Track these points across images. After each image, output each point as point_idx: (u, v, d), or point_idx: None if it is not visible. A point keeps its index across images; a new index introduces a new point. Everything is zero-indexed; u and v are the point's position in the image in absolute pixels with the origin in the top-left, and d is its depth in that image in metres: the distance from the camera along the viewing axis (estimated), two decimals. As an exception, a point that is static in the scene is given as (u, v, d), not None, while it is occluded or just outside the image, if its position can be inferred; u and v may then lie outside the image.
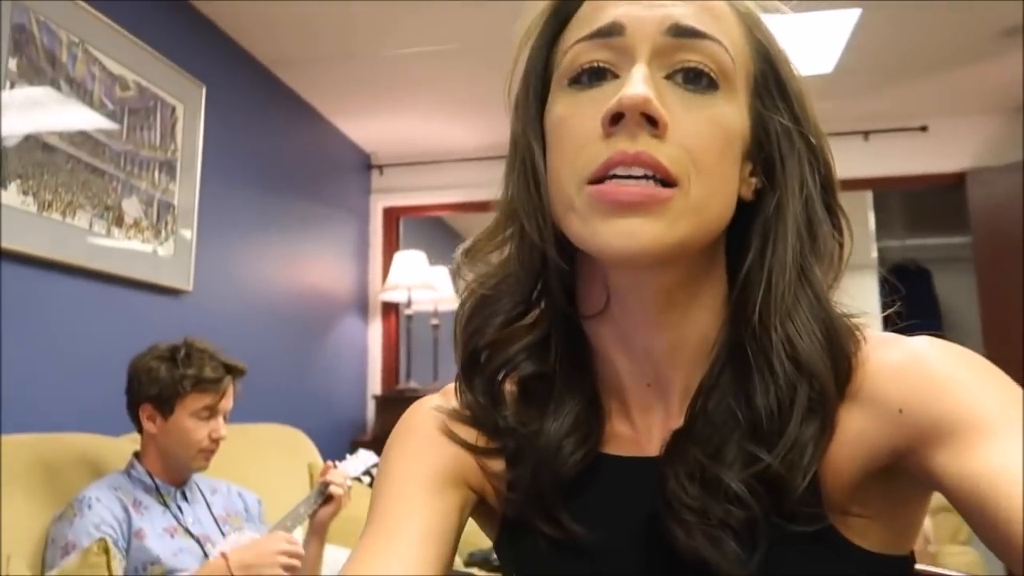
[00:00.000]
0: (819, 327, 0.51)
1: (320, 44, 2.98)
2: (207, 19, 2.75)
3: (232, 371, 1.75)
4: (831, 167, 0.55)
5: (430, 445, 0.58)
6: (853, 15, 2.76)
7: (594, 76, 0.51)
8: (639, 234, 0.48)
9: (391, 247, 4.13)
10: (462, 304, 0.59)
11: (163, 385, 1.68)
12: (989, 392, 0.47)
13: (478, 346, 0.57)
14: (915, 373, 0.48)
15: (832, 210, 0.55)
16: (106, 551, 1.31)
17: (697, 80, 0.50)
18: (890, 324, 0.58)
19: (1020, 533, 0.41)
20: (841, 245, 0.55)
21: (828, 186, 0.55)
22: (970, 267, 3.67)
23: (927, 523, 2.31)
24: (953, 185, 3.71)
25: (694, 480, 0.49)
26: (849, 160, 3.53)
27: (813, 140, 0.54)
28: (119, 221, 2.25)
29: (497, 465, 0.58)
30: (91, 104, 2.16)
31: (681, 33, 0.50)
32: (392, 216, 4.21)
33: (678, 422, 0.54)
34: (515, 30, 0.58)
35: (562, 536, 0.54)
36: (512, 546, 0.58)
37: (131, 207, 2.30)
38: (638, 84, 0.48)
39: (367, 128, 3.82)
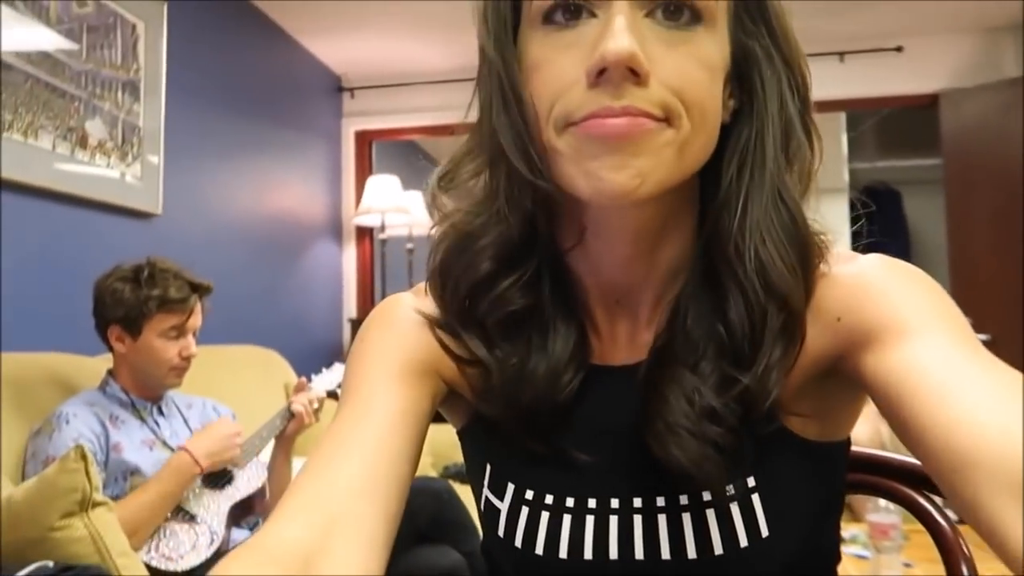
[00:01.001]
0: (794, 248, 0.51)
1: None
2: (165, -68, 2.65)
3: (198, 289, 1.76)
4: (808, 85, 0.54)
5: (407, 336, 0.58)
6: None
7: (569, 13, 0.49)
8: (632, 168, 0.47)
9: (364, 171, 4.10)
10: (440, 241, 0.58)
11: (129, 307, 1.69)
12: (915, 300, 0.49)
13: (469, 290, 0.56)
14: (855, 285, 0.51)
15: (808, 130, 0.54)
16: (84, 458, 1.34)
17: (678, 15, 0.48)
18: (859, 244, 0.59)
19: (925, 427, 0.43)
20: (812, 159, 0.55)
21: (806, 105, 0.54)
22: (940, 189, 3.70)
23: (884, 431, 2.40)
24: (926, 106, 3.72)
25: (678, 396, 0.51)
26: (825, 81, 3.53)
27: (792, 59, 0.53)
28: (83, 143, 2.22)
29: (476, 371, 0.57)
30: (47, 21, 2.11)
31: None
32: (364, 140, 4.16)
33: (645, 334, 0.56)
34: None
35: (548, 452, 0.56)
36: (484, 436, 0.60)
37: (95, 128, 2.27)
38: (622, 36, 0.46)
39: (336, 49, 3.74)
